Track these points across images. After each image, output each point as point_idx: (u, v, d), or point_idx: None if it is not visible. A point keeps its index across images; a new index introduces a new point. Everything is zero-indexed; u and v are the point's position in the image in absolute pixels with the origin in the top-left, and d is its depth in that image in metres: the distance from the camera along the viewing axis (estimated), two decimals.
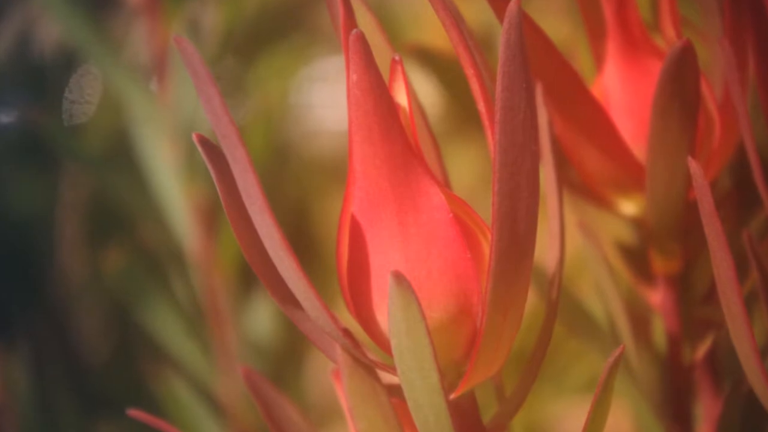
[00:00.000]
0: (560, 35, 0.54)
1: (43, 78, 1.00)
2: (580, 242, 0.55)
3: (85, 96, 0.99)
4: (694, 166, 0.44)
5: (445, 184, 0.46)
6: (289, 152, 1.11)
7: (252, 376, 0.48)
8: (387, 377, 0.45)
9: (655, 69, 0.51)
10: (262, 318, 0.87)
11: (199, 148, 0.44)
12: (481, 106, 0.44)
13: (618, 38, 0.53)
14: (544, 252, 0.47)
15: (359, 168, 0.43)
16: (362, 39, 0.41)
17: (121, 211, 0.90)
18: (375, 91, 0.41)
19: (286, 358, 0.90)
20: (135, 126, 0.86)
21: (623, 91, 0.53)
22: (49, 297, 0.98)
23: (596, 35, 0.53)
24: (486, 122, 0.44)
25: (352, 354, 0.45)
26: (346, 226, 0.44)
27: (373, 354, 0.45)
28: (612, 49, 0.53)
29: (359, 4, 0.47)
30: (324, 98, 1.12)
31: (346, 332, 0.44)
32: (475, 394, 0.45)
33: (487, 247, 0.44)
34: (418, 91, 0.48)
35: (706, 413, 0.57)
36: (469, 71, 0.44)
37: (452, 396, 0.44)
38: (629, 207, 0.54)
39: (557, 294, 0.46)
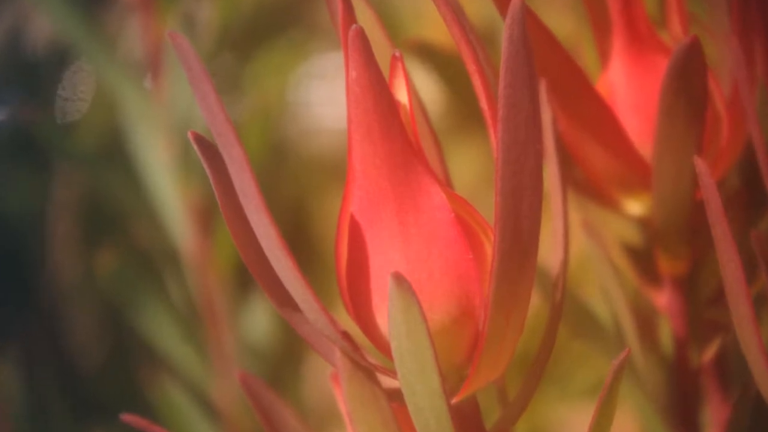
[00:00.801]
0: (564, 31, 0.54)
1: (35, 75, 1.00)
2: (585, 242, 0.55)
3: (78, 93, 0.99)
4: (701, 165, 0.44)
5: (446, 183, 0.47)
6: (287, 150, 1.11)
7: (249, 379, 0.49)
8: (387, 381, 0.45)
9: (661, 66, 0.51)
10: (259, 320, 0.87)
11: (195, 146, 0.44)
12: (484, 103, 0.44)
13: (623, 34, 0.53)
14: (548, 252, 0.47)
15: (359, 167, 0.43)
16: (362, 35, 0.41)
17: (114, 211, 0.90)
18: (375, 88, 0.41)
19: (284, 362, 0.90)
20: (129, 123, 0.86)
21: (629, 88, 0.53)
22: (41, 298, 0.99)
23: (601, 31, 0.54)
24: (488, 120, 0.44)
25: (352, 357, 0.45)
26: (345, 225, 0.44)
27: (372, 357, 0.45)
28: (617, 45, 0.53)
29: (358, 0, 0.47)
30: (323, 95, 1.13)
31: (345, 335, 0.44)
32: (477, 399, 0.45)
33: (489, 248, 0.44)
34: (419, 87, 0.48)
35: (713, 417, 0.57)
36: (472, 67, 0.44)
37: (454, 400, 0.44)
38: (635, 206, 0.54)
39: (561, 295, 0.46)
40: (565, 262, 0.46)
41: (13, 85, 1.00)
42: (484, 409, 0.46)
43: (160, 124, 0.84)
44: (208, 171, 0.45)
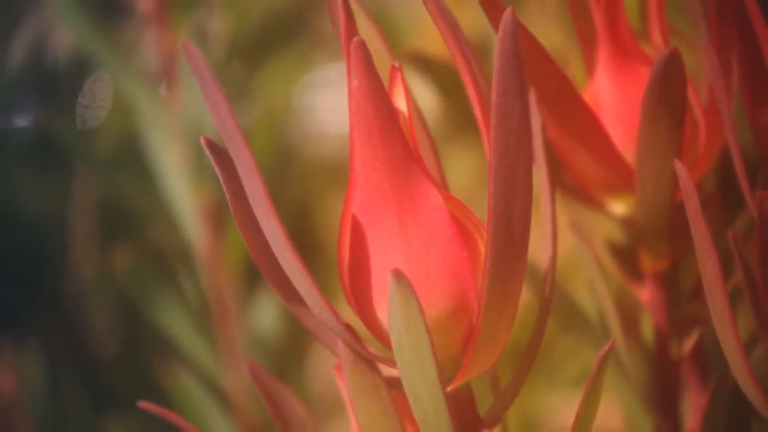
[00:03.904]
0: (553, 43, 0.54)
1: (57, 84, 1.00)
2: (573, 242, 0.55)
3: (97, 101, 0.99)
4: (680, 169, 0.44)
5: (443, 186, 0.47)
6: (292, 154, 1.11)
7: (257, 370, 0.49)
8: (387, 371, 0.45)
9: (643, 75, 0.52)
10: (266, 315, 0.87)
11: (207, 151, 0.44)
12: (478, 111, 0.44)
13: (608, 46, 0.53)
14: (538, 251, 0.47)
15: (360, 170, 0.43)
16: (363, 46, 0.41)
17: (131, 212, 0.90)
18: (375, 96, 0.41)
19: (290, 353, 0.90)
20: (145, 130, 0.86)
21: (613, 96, 0.53)
22: (61, 295, 0.98)
23: (587, 43, 0.54)
24: (482, 127, 0.44)
25: (354, 348, 0.45)
26: (347, 226, 0.44)
27: (373, 348, 0.45)
28: (602, 56, 0.53)
29: (360, 12, 0.47)
30: (326, 102, 1.13)
31: (348, 328, 0.44)
32: (471, 387, 0.45)
33: (483, 247, 0.44)
34: (417, 96, 0.48)
35: (692, 405, 0.57)
36: (466, 77, 0.44)
37: (450, 388, 0.44)
38: (619, 207, 0.54)
39: (550, 291, 0.46)
40: (554, 260, 0.46)
41: (35, 93, 1.00)
42: (478, 397, 0.46)
43: (174, 130, 0.84)
44: (219, 174, 0.45)
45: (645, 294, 0.55)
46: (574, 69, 0.57)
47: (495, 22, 0.47)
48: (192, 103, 0.84)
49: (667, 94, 0.49)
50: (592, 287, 0.55)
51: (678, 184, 0.45)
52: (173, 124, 0.84)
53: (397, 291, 0.41)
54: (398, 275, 0.41)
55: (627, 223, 0.55)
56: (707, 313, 0.45)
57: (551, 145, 0.53)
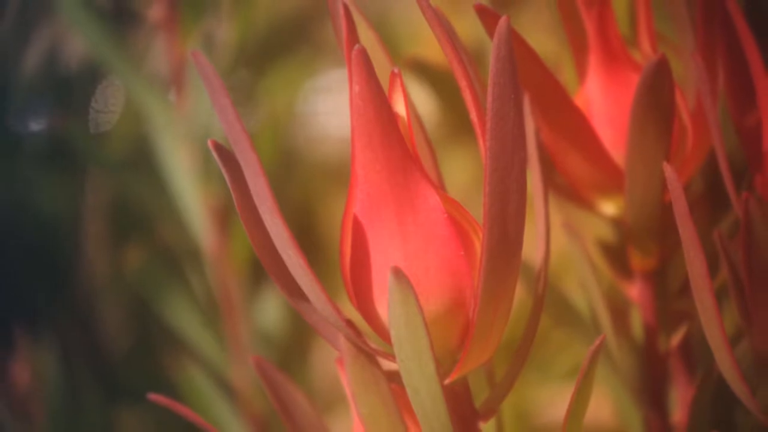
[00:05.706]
0: (546, 49, 0.54)
1: (70, 89, 1.00)
2: (565, 241, 0.55)
3: (108, 106, 0.99)
4: (669, 171, 0.44)
5: (440, 187, 0.47)
6: (296, 157, 1.11)
7: (262, 364, 0.49)
8: (387, 364, 0.45)
9: (633, 81, 0.52)
10: (271, 310, 0.87)
11: (214, 154, 0.44)
12: (474, 115, 0.44)
13: (599, 52, 0.53)
14: (532, 250, 0.47)
15: (361, 172, 0.43)
16: (364, 53, 0.41)
17: (141, 212, 0.90)
18: (376, 101, 0.41)
19: (294, 348, 0.90)
20: (154, 133, 0.86)
21: (604, 101, 0.53)
22: (74, 292, 0.98)
23: (579, 50, 0.54)
24: (478, 130, 0.44)
25: (355, 343, 0.45)
26: (348, 225, 0.44)
27: (374, 343, 0.45)
28: (593, 62, 0.53)
29: (361, 21, 0.47)
30: (328, 107, 1.12)
31: (349, 323, 0.44)
32: (468, 381, 0.45)
33: (479, 245, 0.44)
34: (415, 101, 0.48)
35: (680, 397, 0.57)
36: (463, 83, 0.44)
37: (447, 381, 0.44)
38: (610, 208, 0.54)
39: (543, 288, 0.46)
40: (547, 258, 0.46)
41: (49, 98, 1.00)
42: (474, 390, 0.46)
43: (183, 133, 0.84)
44: (225, 176, 0.45)
45: (634, 291, 0.55)
46: (566, 74, 0.57)
47: (490, 30, 0.47)
48: (200, 107, 0.84)
49: (656, 99, 0.49)
50: (584, 284, 0.55)
51: (666, 185, 0.45)
52: (182, 128, 0.84)
53: (396, 288, 0.41)
54: (397, 273, 0.41)
55: (617, 222, 0.55)
56: (694, 310, 0.45)
57: (544, 147, 0.53)
